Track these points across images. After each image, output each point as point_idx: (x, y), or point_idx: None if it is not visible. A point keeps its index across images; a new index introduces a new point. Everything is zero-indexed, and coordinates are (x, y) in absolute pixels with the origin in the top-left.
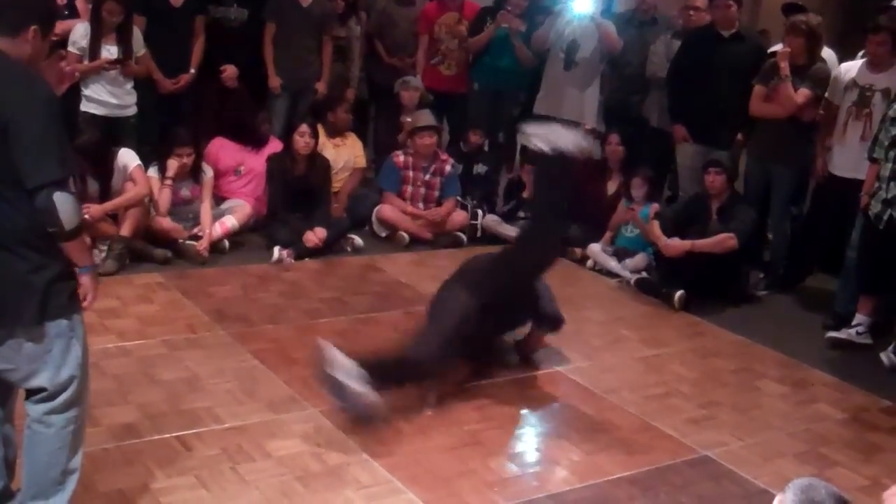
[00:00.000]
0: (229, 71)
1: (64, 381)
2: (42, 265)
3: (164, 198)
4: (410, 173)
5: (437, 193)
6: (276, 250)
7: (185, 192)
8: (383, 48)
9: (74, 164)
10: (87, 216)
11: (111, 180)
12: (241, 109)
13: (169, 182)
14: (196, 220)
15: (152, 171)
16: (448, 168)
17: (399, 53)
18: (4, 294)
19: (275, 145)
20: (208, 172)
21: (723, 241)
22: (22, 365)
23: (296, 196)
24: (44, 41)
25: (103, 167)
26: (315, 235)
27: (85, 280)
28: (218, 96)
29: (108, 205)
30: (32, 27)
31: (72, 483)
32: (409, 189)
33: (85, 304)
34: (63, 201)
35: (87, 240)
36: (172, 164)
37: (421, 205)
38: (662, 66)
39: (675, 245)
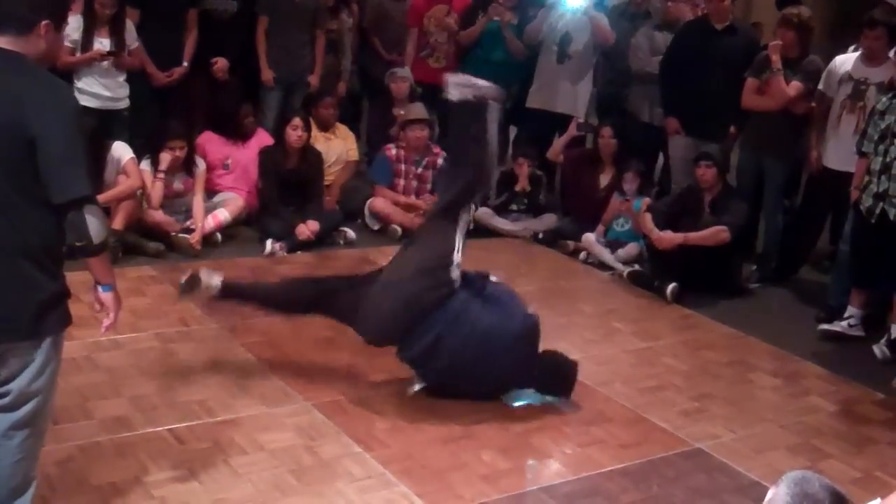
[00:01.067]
0: (220, 63)
1: (29, 394)
2: (42, 282)
3: (156, 191)
4: (402, 166)
5: (429, 186)
6: (269, 243)
7: (178, 184)
8: (379, 43)
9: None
10: None
11: (104, 173)
12: (224, 102)
13: (161, 175)
14: (188, 213)
15: (144, 164)
16: (440, 161)
17: (394, 48)
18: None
19: (263, 138)
20: (201, 165)
21: (715, 233)
22: (3, 374)
23: (288, 189)
24: (57, 34)
25: (96, 160)
26: (307, 228)
27: (107, 298)
28: (206, 89)
29: (101, 197)
30: (44, 21)
31: (32, 488)
32: (402, 182)
33: (106, 323)
34: (94, 216)
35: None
36: (165, 158)
37: (414, 198)
38: (646, 61)
39: (668, 237)
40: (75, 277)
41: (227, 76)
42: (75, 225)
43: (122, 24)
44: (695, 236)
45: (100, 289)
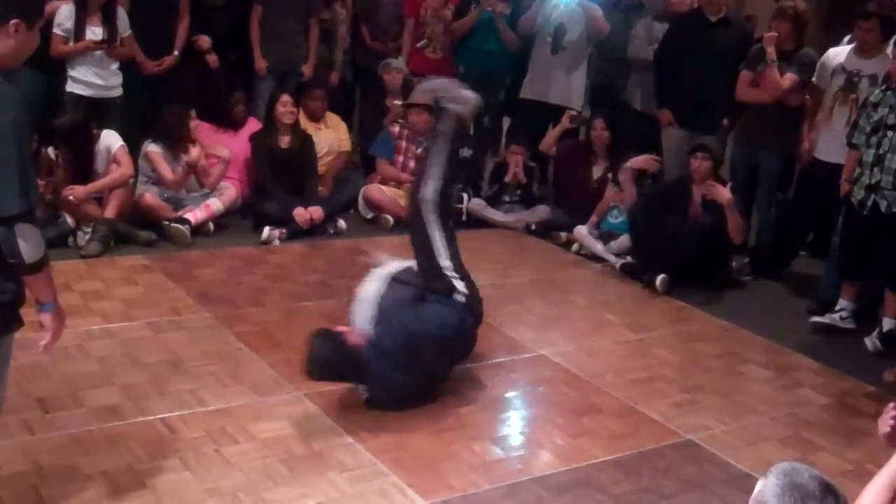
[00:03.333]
0: (201, 41)
1: None
2: None
3: (175, 177)
4: (403, 143)
5: None
6: (267, 230)
7: (178, 171)
8: (367, 31)
9: (36, 193)
10: (71, 198)
11: (94, 162)
12: (215, 91)
13: (187, 163)
14: (182, 202)
15: (154, 147)
16: None
17: (382, 36)
18: None
19: (254, 127)
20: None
21: (740, 223)
22: None
23: (282, 171)
24: (30, 32)
25: (86, 149)
26: (308, 213)
27: (46, 319)
28: (198, 77)
29: (93, 186)
30: (13, 20)
31: None
32: (401, 159)
33: (43, 344)
34: (25, 235)
35: (51, 276)
36: (194, 153)
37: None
38: (643, 49)
39: (723, 190)
40: (66, 266)
41: (215, 59)
42: (5, 242)
43: (114, 12)
44: (733, 220)
45: (40, 308)
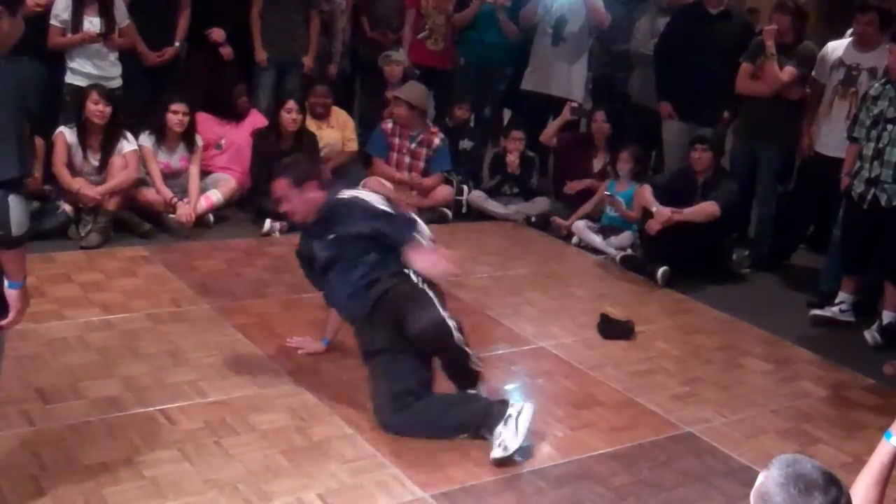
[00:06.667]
0: (215, 34)
1: None
2: None
3: (157, 173)
4: (396, 140)
5: (422, 164)
6: (268, 222)
7: (175, 163)
8: (367, 22)
9: (32, 165)
10: (77, 190)
11: (111, 157)
12: (218, 82)
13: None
14: (183, 193)
15: (144, 139)
16: (437, 141)
17: (383, 27)
18: None
19: (256, 118)
20: (199, 141)
21: (704, 208)
22: None
23: None
24: (13, 19)
25: (109, 142)
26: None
27: (12, 296)
28: (202, 68)
29: (99, 190)
30: None
31: None
32: (395, 156)
33: (4, 322)
34: (17, 204)
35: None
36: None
37: (406, 174)
38: (645, 43)
39: (661, 211)
40: (65, 257)
41: (231, 56)
42: None
43: (112, 4)
44: (687, 211)
45: (6, 284)
